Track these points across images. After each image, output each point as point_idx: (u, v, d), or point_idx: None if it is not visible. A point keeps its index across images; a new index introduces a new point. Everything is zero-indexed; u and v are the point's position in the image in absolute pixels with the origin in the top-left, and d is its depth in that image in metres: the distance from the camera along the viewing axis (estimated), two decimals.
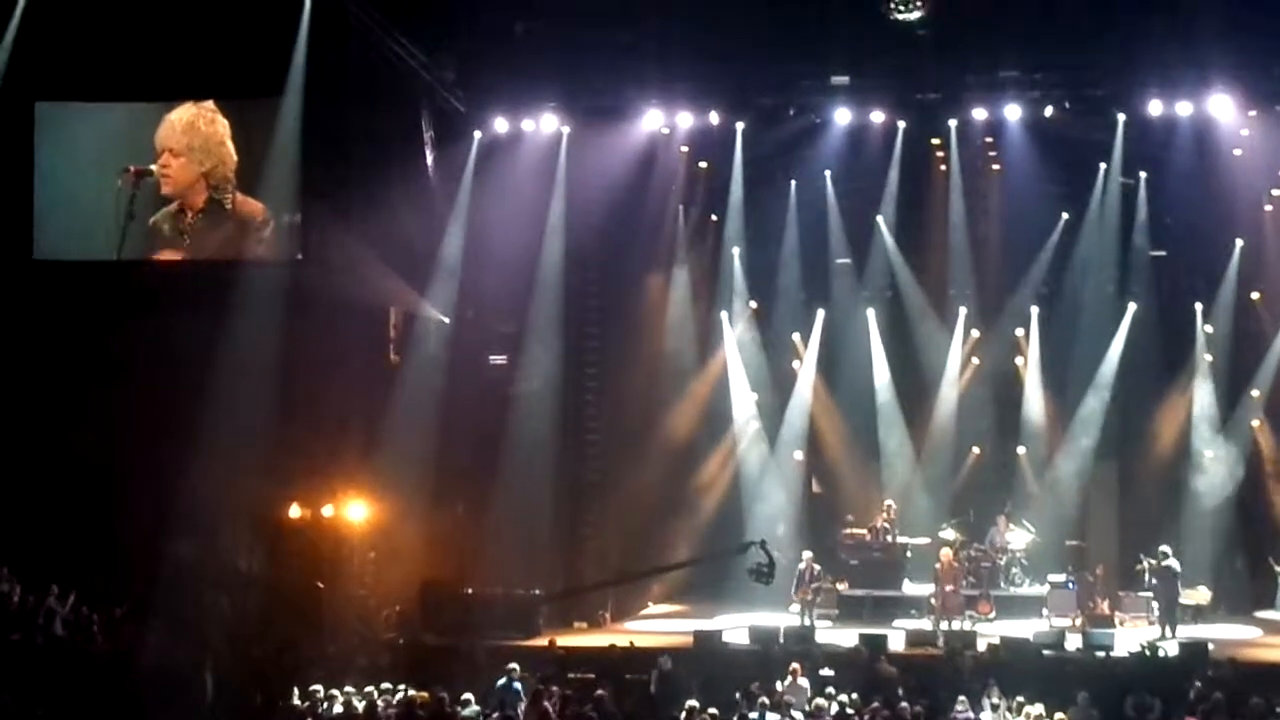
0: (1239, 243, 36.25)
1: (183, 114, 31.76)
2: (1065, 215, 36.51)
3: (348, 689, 25.35)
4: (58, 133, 31.82)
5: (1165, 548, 31.74)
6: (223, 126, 31.66)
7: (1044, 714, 23.81)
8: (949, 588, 31.73)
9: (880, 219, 37.03)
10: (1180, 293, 37.16)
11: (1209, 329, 36.93)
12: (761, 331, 38.86)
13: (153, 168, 31.47)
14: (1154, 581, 31.36)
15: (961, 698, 24.61)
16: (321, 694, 25.00)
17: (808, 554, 33.28)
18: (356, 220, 30.96)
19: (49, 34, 30.10)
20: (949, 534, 34.38)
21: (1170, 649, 29.09)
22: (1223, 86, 32.02)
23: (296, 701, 25.03)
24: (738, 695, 25.13)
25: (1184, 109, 32.77)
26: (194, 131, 31.72)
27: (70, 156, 31.78)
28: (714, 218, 38.07)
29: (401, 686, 25.61)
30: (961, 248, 36.94)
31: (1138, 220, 36.28)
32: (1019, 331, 37.83)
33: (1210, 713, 23.97)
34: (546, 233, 34.87)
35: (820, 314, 38.41)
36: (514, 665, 26.09)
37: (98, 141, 31.91)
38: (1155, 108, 32.85)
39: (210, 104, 31.63)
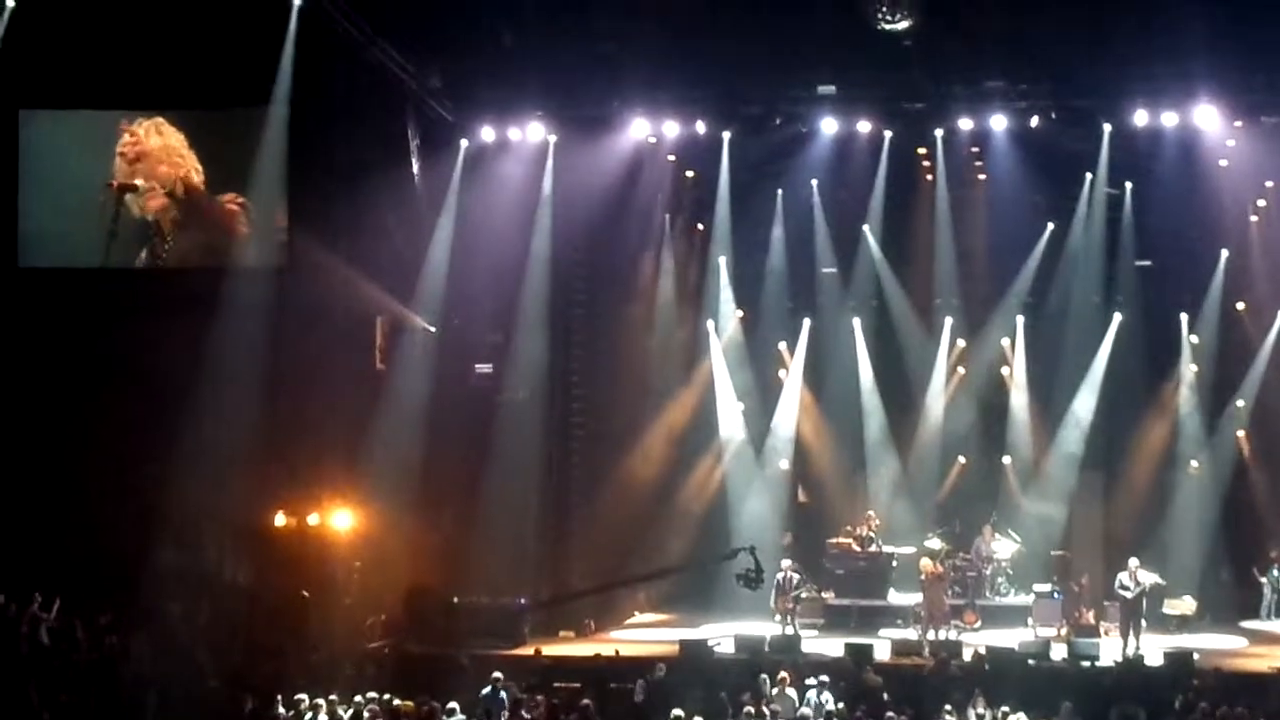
0: (1224, 253, 36.36)
1: (148, 127, 31.68)
2: (1051, 225, 36.61)
3: (332, 698, 25.30)
4: (42, 140, 31.72)
5: (1134, 561, 31.54)
6: (175, 137, 31.55)
7: None
8: (934, 597, 31.69)
9: (866, 228, 37.09)
10: (1166, 303, 37.21)
11: (1194, 339, 37.02)
12: (748, 340, 38.87)
13: (137, 183, 31.36)
14: (1120, 593, 31.25)
15: (947, 707, 24.61)
16: (306, 703, 24.94)
17: (786, 563, 33.24)
18: (343, 229, 30.94)
19: (33, 41, 30.01)
20: (934, 544, 34.38)
21: (1155, 659, 29.08)
22: (1208, 97, 32.04)
23: (281, 710, 24.97)
24: (724, 699, 25.19)
25: (1169, 119, 32.78)
26: (162, 144, 31.61)
27: (55, 164, 31.69)
28: (700, 226, 38.12)
29: (387, 696, 25.57)
30: (947, 257, 36.99)
31: (1123, 230, 36.35)
32: (1005, 341, 37.89)
33: None
34: (533, 241, 34.86)
35: (806, 323, 38.44)
36: (499, 674, 26.08)
37: (83, 150, 31.82)
38: (1141, 118, 32.86)
39: (158, 119, 31.51)
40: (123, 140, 31.39)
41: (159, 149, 31.48)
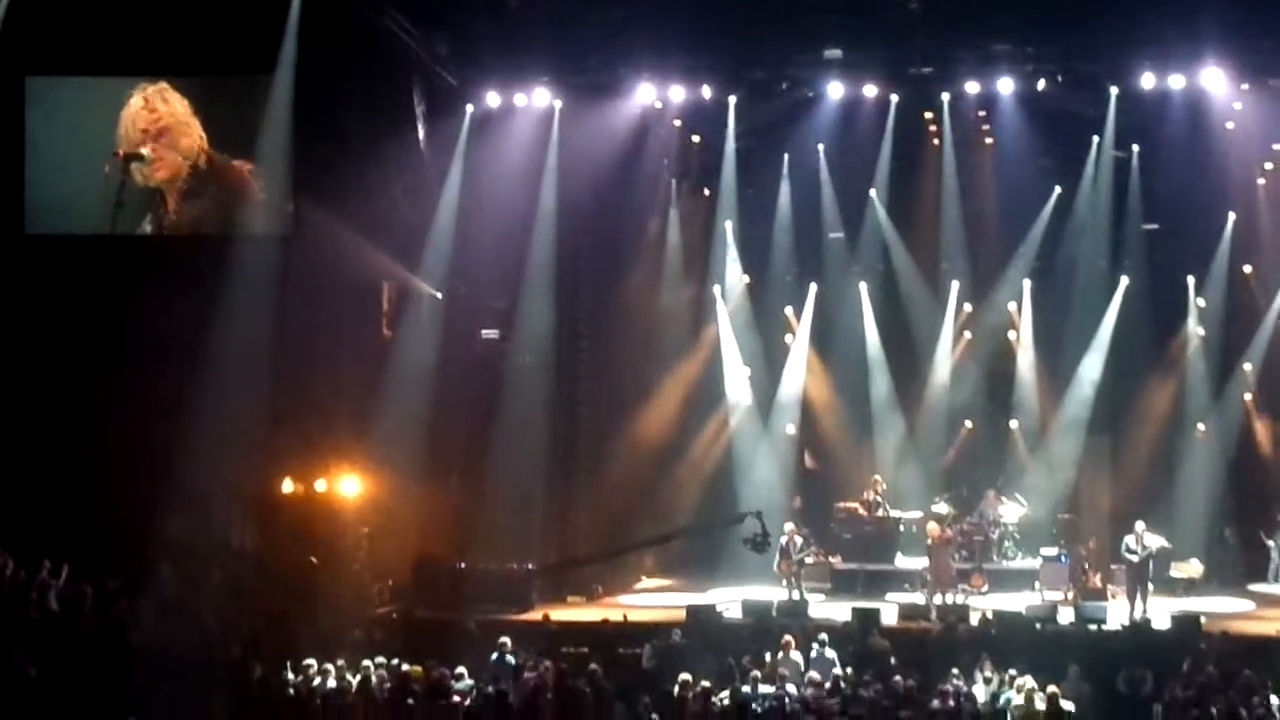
0: (1231, 216, 36.27)
1: (139, 99, 31.61)
2: (1058, 189, 36.53)
3: (340, 663, 25.40)
4: (48, 107, 31.69)
5: (1140, 524, 31.52)
6: (180, 103, 31.48)
7: (1036, 687, 23.85)
8: (941, 562, 31.71)
9: (873, 193, 37.00)
10: (1173, 266, 37.16)
11: (1201, 302, 36.99)
12: (754, 305, 38.87)
13: (143, 152, 31.30)
14: (1127, 557, 31.26)
15: (954, 671, 24.68)
16: (315, 668, 25.05)
17: (789, 526, 33.25)
18: (348, 196, 30.83)
19: (38, 7, 29.96)
20: (941, 508, 34.33)
21: (1162, 622, 29.11)
22: (1215, 60, 31.94)
23: (290, 676, 25.07)
24: (731, 664, 25.27)
25: (1176, 82, 32.69)
26: (158, 112, 31.57)
27: (61, 131, 31.65)
28: (706, 192, 38.06)
29: (395, 661, 25.67)
30: (954, 222, 36.91)
31: (1130, 194, 36.29)
32: (1011, 305, 37.85)
33: (1203, 686, 24.07)
34: (539, 207, 34.84)
35: (813, 288, 38.40)
36: (506, 639, 26.16)
37: (89, 116, 31.78)
38: (1148, 81, 32.78)
39: (162, 84, 31.46)
40: (140, 114, 31.35)
41: (177, 122, 31.43)
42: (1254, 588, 34.37)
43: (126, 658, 24.50)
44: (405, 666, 25.20)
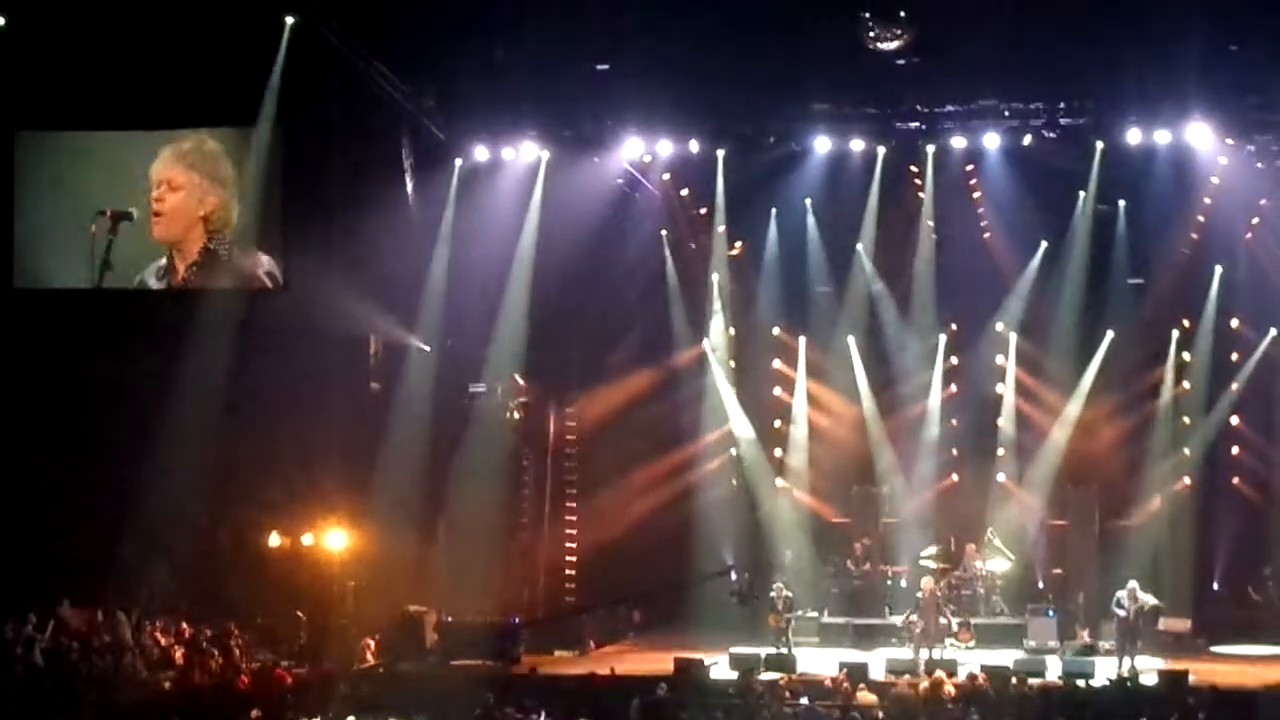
0: (1219, 269, 36.35)
1: (188, 146, 31.61)
2: (1045, 243, 36.58)
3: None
4: (38, 161, 31.71)
5: (1133, 583, 31.52)
6: (228, 170, 31.46)
7: None
8: (930, 616, 31.64)
9: (860, 247, 37.04)
10: (1158, 320, 37.16)
11: (1186, 356, 37.04)
12: (742, 358, 38.89)
13: (132, 211, 31.29)
14: (1116, 612, 31.25)
15: None
16: None
17: (779, 582, 33.24)
18: (337, 249, 30.98)
19: (25, 61, 30.06)
20: (930, 562, 34.30)
21: (1150, 678, 29.06)
22: (1200, 116, 32.11)
23: None
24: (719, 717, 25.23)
25: (1162, 137, 32.87)
26: (199, 165, 31.55)
27: (51, 185, 31.68)
28: (693, 245, 38.09)
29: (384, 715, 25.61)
30: (941, 275, 36.96)
31: (1116, 248, 36.37)
32: (999, 358, 37.86)
33: None
34: (532, 259, 34.91)
35: (802, 341, 38.41)
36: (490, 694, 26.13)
37: (79, 171, 31.80)
38: (1134, 136, 32.96)
39: (217, 144, 31.49)
40: (152, 193, 31.41)
41: (212, 171, 31.38)
42: (1242, 642, 34.03)
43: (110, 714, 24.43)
44: None
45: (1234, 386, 36.95)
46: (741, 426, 38.59)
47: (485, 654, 31.56)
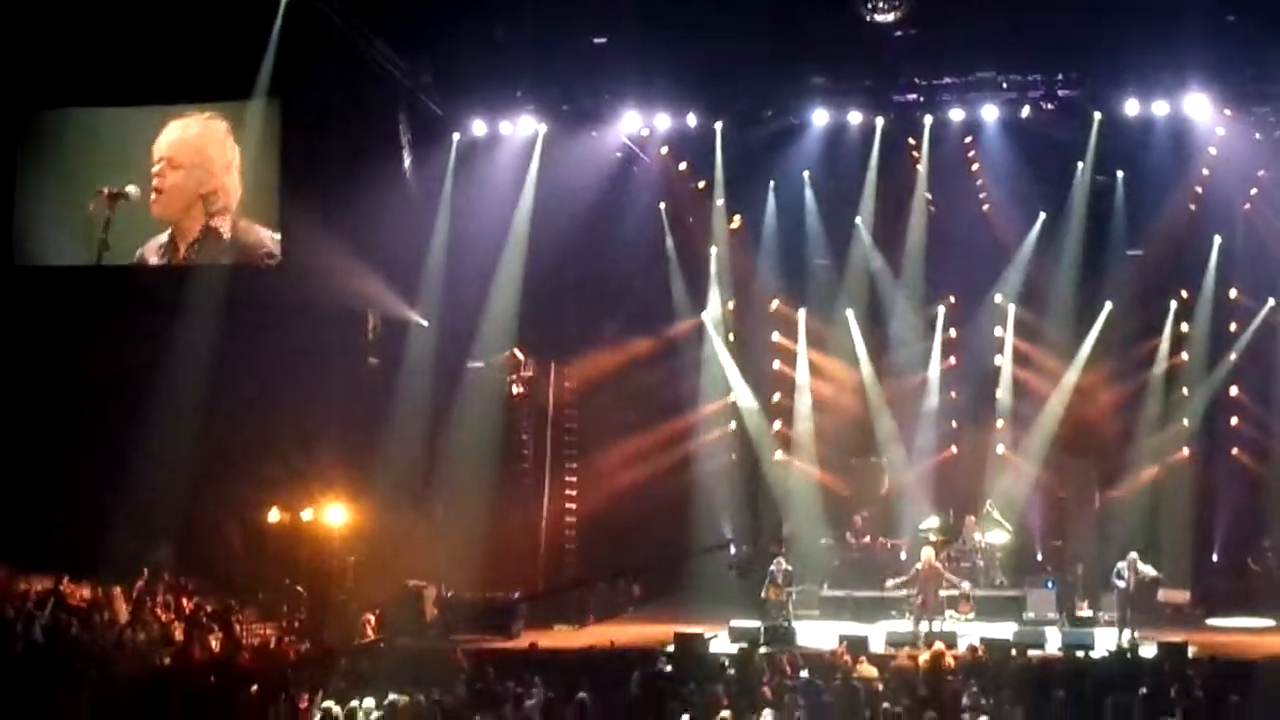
0: (1217, 240, 36.31)
1: (191, 124, 31.64)
2: (1043, 215, 36.55)
3: (327, 703, 25.23)
4: (41, 139, 31.71)
5: (1133, 554, 31.58)
6: (231, 149, 31.45)
7: None
8: (930, 589, 31.66)
9: (859, 219, 37.02)
10: (1156, 292, 37.13)
11: (1184, 327, 37.03)
12: (741, 331, 38.89)
13: (129, 190, 31.30)
14: (1116, 583, 31.30)
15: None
16: (304, 704, 24.94)
17: (779, 554, 33.28)
18: (335, 225, 30.95)
19: (28, 40, 30.07)
20: (930, 534, 34.34)
21: (1149, 649, 29.09)
22: (1199, 87, 32.07)
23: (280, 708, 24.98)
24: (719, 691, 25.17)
25: (1160, 109, 32.82)
26: (200, 146, 31.55)
27: (53, 163, 31.69)
28: (692, 219, 38.04)
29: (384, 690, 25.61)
30: (939, 248, 36.91)
31: (1115, 219, 36.34)
32: (998, 331, 37.86)
33: (1190, 712, 24.03)
34: (527, 233, 34.89)
35: (801, 313, 38.39)
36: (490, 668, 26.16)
37: (82, 149, 31.79)
38: (1132, 107, 32.91)
39: (224, 125, 31.47)
40: (155, 169, 31.42)
41: (214, 153, 31.35)
42: (1241, 614, 34.02)
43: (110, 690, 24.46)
44: (393, 696, 25.12)
45: (1232, 357, 36.92)
46: (744, 397, 38.57)
47: (485, 628, 31.70)
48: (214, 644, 28.09)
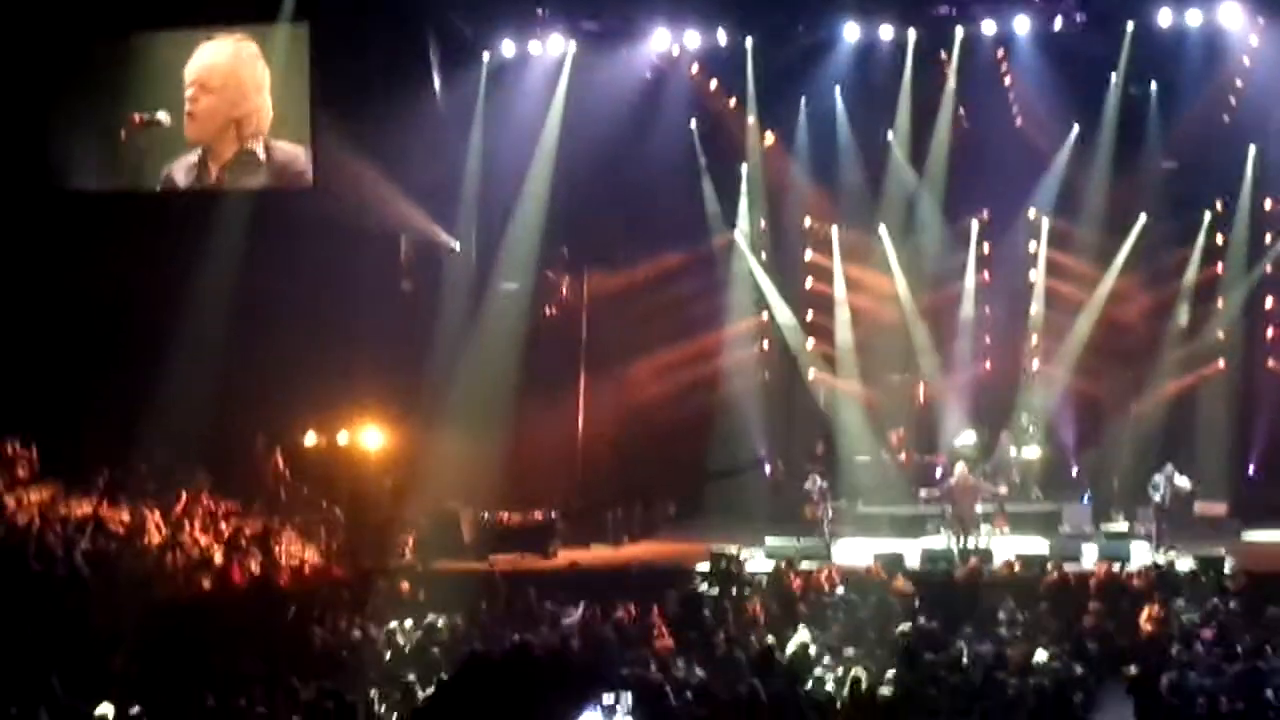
0: (1252, 149, 36.02)
1: (223, 47, 31.58)
2: (1076, 127, 36.31)
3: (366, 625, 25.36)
4: (75, 65, 31.70)
5: (1170, 465, 31.56)
6: (263, 73, 31.39)
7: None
8: (965, 504, 31.67)
9: (891, 135, 36.84)
10: (1191, 203, 36.90)
11: (1220, 238, 36.82)
12: (774, 249, 38.78)
13: (160, 116, 31.32)
14: (1152, 495, 31.30)
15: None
16: (344, 625, 25.10)
17: (815, 473, 33.31)
18: (367, 148, 30.95)
19: None
20: (965, 450, 34.33)
21: (1186, 561, 29.07)
22: None
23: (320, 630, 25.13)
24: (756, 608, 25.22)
25: (1193, 18, 32.61)
26: (232, 69, 31.52)
27: (87, 89, 31.70)
28: (723, 136, 37.86)
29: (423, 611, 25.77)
30: (973, 162, 36.71)
31: (1149, 131, 36.08)
32: (1031, 244, 37.70)
33: (1227, 623, 24.07)
34: (555, 153, 34.82)
35: (834, 230, 38.25)
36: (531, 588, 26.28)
37: (116, 74, 31.79)
38: (1165, 17, 32.72)
39: (255, 47, 31.42)
40: (188, 94, 31.41)
41: (246, 77, 31.31)
42: (1277, 525, 34.03)
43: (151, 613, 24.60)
44: (431, 617, 25.28)
45: (1267, 268, 36.73)
46: (781, 313, 38.45)
47: (522, 548, 31.81)
48: (254, 567, 28.24)
